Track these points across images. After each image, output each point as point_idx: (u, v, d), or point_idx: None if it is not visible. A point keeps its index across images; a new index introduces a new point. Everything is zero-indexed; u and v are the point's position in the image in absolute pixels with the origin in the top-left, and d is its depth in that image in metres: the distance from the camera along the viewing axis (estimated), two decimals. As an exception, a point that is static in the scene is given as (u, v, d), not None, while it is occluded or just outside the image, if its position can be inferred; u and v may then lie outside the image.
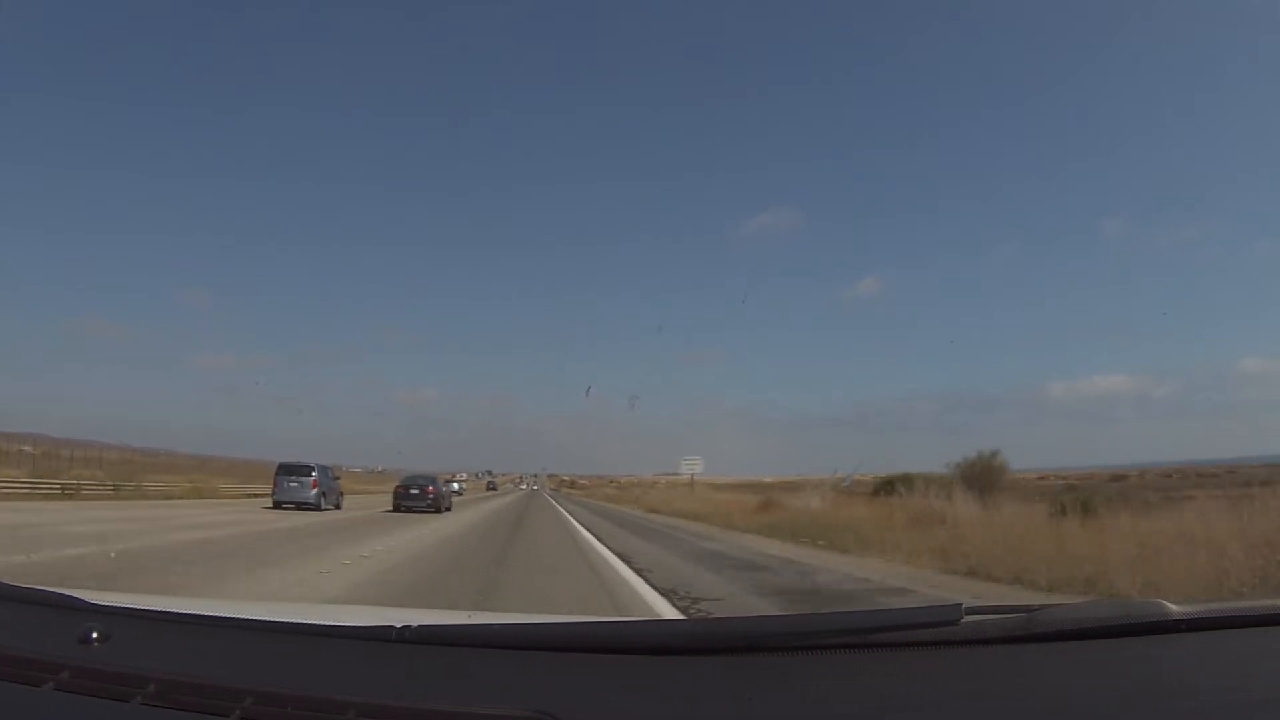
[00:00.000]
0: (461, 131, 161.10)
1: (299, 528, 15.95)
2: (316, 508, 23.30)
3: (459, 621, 1.60)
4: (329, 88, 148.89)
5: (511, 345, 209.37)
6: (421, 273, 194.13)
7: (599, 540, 15.73)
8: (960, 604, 1.27)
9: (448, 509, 27.55)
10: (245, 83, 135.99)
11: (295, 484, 24.02)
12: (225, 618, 1.55)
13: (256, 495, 33.11)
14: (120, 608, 1.57)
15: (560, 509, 35.34)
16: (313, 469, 24.48)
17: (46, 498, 23.63)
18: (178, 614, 1.57)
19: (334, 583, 7.96)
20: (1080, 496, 16.59)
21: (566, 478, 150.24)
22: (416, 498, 26.02)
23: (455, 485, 43.81)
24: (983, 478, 24.04)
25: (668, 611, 6.86)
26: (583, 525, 21.66)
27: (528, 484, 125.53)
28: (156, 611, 1.59)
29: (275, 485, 24.39)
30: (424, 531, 16.32)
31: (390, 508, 26.27)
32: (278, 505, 23.44)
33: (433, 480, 27.93)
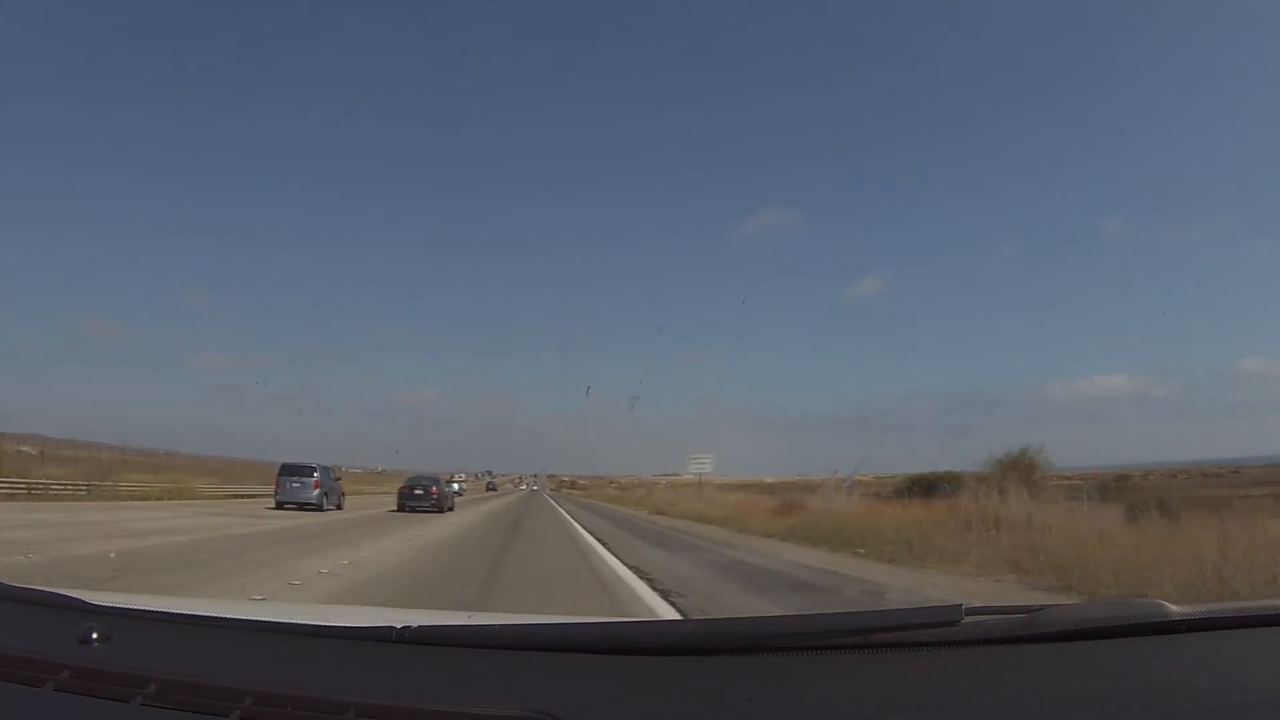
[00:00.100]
0: (461, 131, 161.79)
1: (268, 533, 14.44)
2: (319, 508, 23.52)
3: (458, 622, 1.60)
4: (329, 88, 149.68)
5: (511, 345, 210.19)
6: (421, 273, 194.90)
7: (607, 548, 13.79)
8: (961, 604, 1.27)
9: (450, 509, 28.22)
10: (245, 83, 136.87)
11: (297, 484, 24.22)
12: (225, 618, 1.56)
13: (240, 496, 32.64)
14: (120, 608, 1.57)
15: (561, 511, 33.86)
16: (315, 470, 24.73)
17: (11, 497, 22.50)
18: (177, 614, 1.57)
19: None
20: (1159, 496, 15.36)
21: (566, 478, 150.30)
22: (420, 498, 26.76)
23: (455, 486, 43.89)
24: (1022, 476, 21.79)
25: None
26: (586, 529, 20.08)
27: (527, 485, 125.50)
28: (156, 612, 1.59)
29: (278, 486, 24.63)
30: (394, 544, 13.21)
31: (389, 508, 26.91)
32: (280, 505, 23.64)
33: (436, 481, 28.67)
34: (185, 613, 1.58)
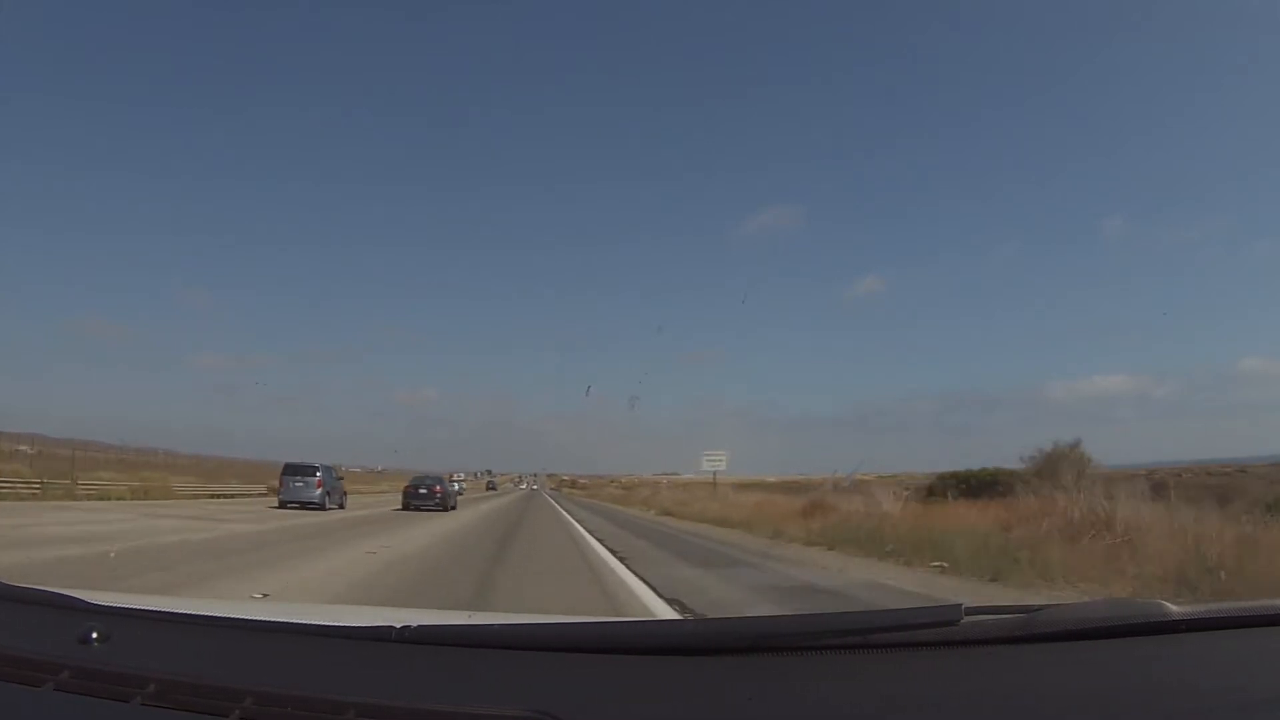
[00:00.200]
0: (461, 131, 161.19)
1: (213, 543, 11.96)
2: (321, 507, 23.82)
3: (459, 622, 1.60)
4: (329, 88, 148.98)
5: (511, 345, 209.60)
6: (421, 273, 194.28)
7: (624, 563, 10.77)
8: (960, 604, 1.27)
9: (453, 507, 28.99)
10: (245, 83, 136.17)
11: (300, 484, 24.55)
12: (225, 618, 1.55)
13: (220, 496, 31.33)
14: (120, 608, 1.57)
15: (563, 512, 31.09)
16: (317, 469, 25.09)
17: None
18: (177, 614, 1.57)
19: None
20: (1266, 496, 13.54)
21: (566, 478, 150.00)
22: (425, 496, 27.63)
23: (455, 485, 43.97)
24: (1068, 473, 19.41)
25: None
26: (592, 534, 17.52)
27: (527, 484, 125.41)
28: (156, 611, 1.59)
29: (281, 485, 25.06)
30: (360, 558, 10.67)
31: (392, 507, 27.42)
32: (283, 505, 23.94)
33: (440, 480, 29.61)
34: (185, 612, 1.58)
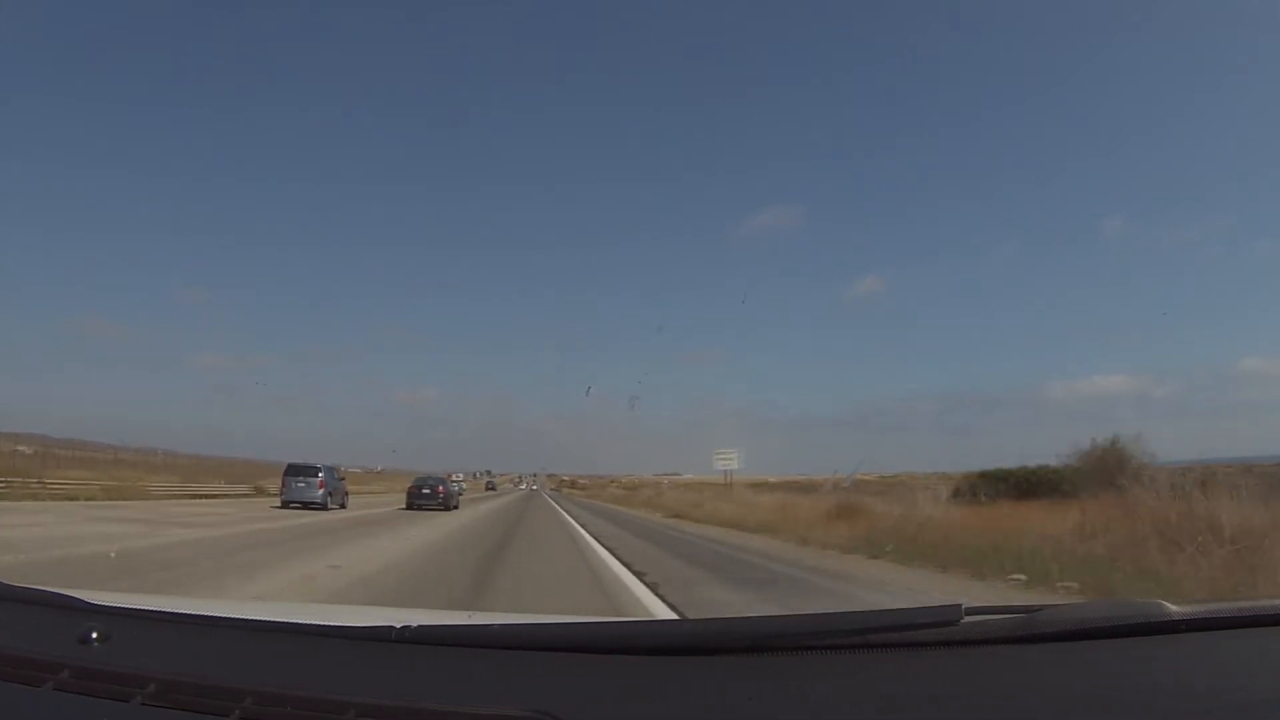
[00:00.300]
0: (461, 131, 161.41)
1: (142, 552, 10.25)
2: (323, 507, 24.11)
3: (459, 622, 1.60)
4: (329, 88, 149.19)
5: (511, 345, 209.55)
6: (421, 273, 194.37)
7: (642, 580, 9.13)
8: (960, 604, 1.27)
9: (455, 507, 29.93)
10: (245, 83, 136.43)
11: (302, 484, 24.84)
12: (225, 618, 1.55)
13: (200, 496, 29.80)
14: (120, 608, 1.57)
15: (566, 516, 28.95)
16: (319, 470, 25.39)
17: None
18: (178, 614, 1.57)
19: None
20: None
21: (566, 478, 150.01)
22: (429, 496, 28.70)
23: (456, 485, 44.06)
24: (1121, 470, 17.84)
25: None
26: (598, 539, 15.60)
27: (526, 484, 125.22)
28: (156, 611, 1.59)
29: (283, 485, 25.33)
30: (300, 581, 8.41)
31: (395, 507, 27.95)
32: (286, 505, 24.17)
33: (442, 481, 30.87)
34: (185, 612, 1.58)
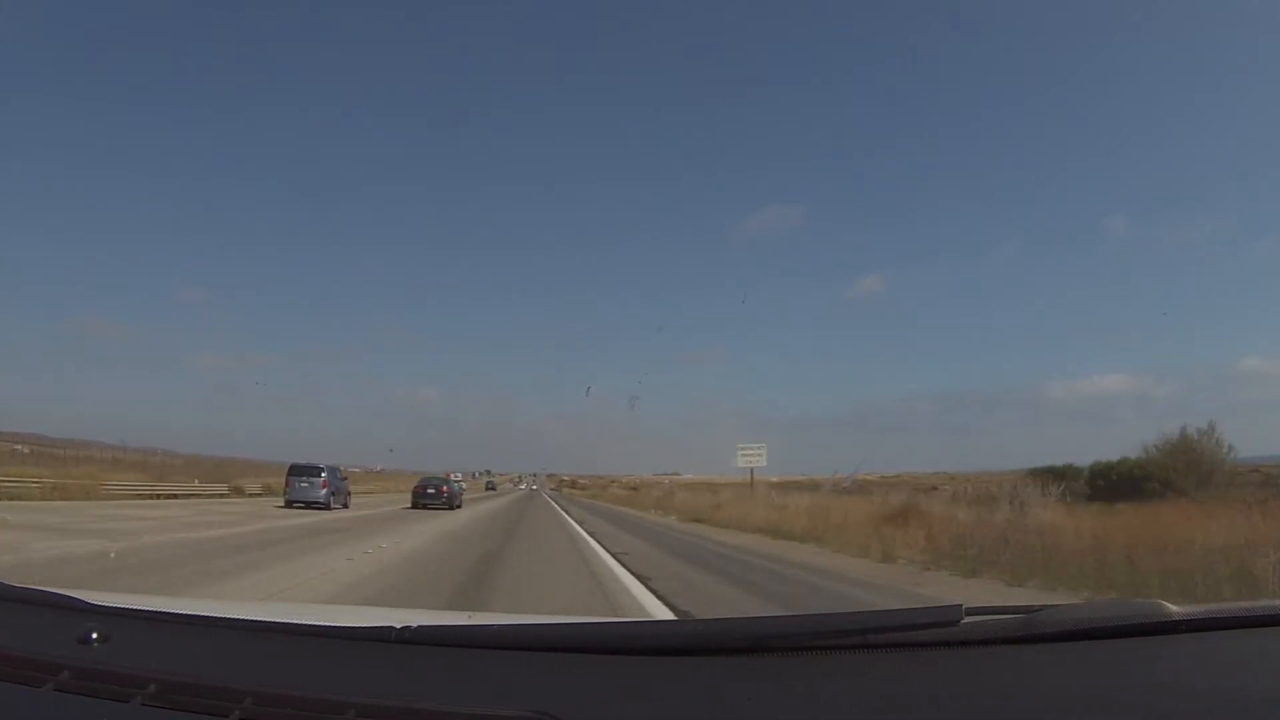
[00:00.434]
0: (461, 131, 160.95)
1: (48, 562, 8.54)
2: (326, 507, 24.34)
3: (458, 622, 1.60)
4: (329, 88, 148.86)
5: (511, 345, 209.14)
6: (421, 273, 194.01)
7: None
8: (960, 604, 1.27)
9: (458, 506, 30.91)
10: (245, 83, 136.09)
11: (305, 484, 25.09)
12: (225, 618, 1.55)
13: (163, 497, 27.79)
14: (120, 608, 1.57)
15: (568, 519, 26.22)
16: (322, 470, 25.67)
17: None
18: (178, 614, 1.57)
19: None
20: None
21: (566, 478, 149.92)
22: (433, 496, 29.61)
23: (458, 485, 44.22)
24: (1201, 466, 16.08)
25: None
26: (609, 551, 13.24)
27: (526, 484, 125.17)
28: (156, 612, 1.59)
29: (287, 485, 25.60)
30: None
31: (400, 506, 28.91)
32: (289, 505, 24.40)
33: (446, 481, 31.91)
34: (185, 613, 1.58)
